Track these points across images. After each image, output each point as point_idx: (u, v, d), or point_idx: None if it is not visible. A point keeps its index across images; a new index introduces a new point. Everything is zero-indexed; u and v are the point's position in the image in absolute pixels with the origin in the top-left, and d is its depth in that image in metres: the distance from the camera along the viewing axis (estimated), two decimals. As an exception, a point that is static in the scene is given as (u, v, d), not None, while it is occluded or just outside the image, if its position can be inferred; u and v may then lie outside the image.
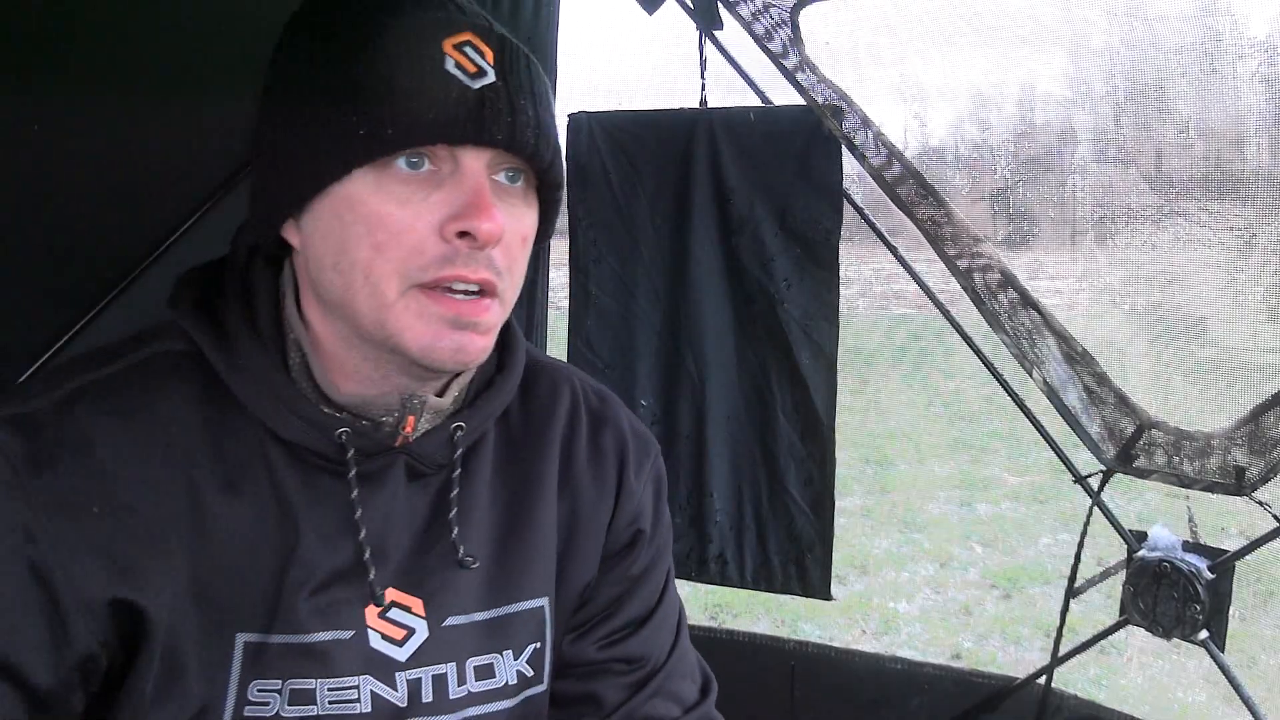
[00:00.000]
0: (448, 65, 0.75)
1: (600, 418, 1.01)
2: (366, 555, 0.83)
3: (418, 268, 0.76)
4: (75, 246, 1.93)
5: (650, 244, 2.32)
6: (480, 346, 0.80)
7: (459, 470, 0.88)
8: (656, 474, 1.05)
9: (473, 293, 0.78)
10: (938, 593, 4.78)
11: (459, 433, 0.87)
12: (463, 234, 0.76)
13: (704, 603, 4.42)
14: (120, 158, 1.92)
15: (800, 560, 2.27)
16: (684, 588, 1.30)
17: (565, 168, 0.85)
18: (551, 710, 0.97)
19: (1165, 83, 1.62)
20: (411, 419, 0.84)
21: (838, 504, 2.26)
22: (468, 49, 0.76)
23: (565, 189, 0.87)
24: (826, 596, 2.29)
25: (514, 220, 0.80)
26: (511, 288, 0.82)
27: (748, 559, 2.31)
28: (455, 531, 0.87)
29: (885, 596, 4.71)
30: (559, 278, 2.67)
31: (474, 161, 0.77)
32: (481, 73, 0.76)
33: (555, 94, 0.87)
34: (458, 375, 0.88)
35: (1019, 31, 1.74)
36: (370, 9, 0.78)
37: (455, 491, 0.88)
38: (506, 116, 0.76)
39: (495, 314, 0.80)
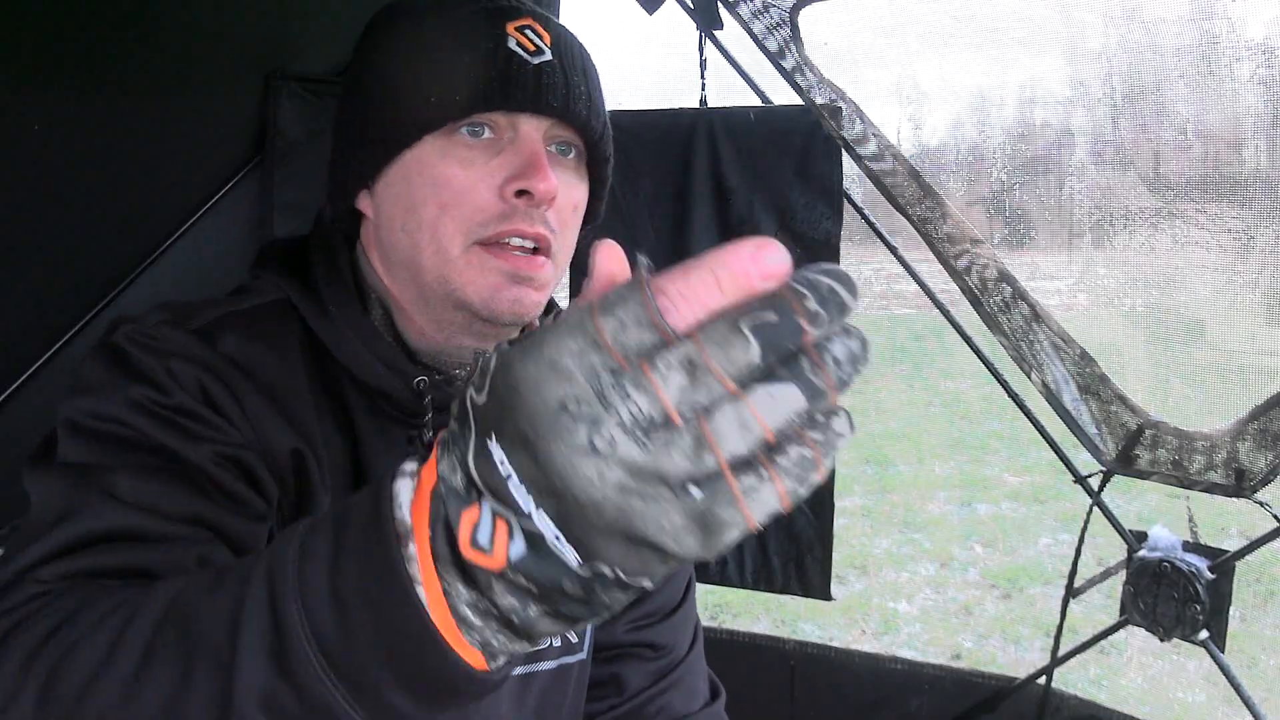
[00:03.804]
0: (510, 44, 0.84)
1: None
2: None
3: (479, 224, 0.83)
4: (75, 245, 1.92)
5: (650, 244, 2.32)
6: (535, 300, 0.86)
7: None
8: None
9: (529, 249, 0.84)
10: (938, 593, 4.79)
11: None
12: (520, 193, 0.83)
13: (704, 603, 4.43)
14: (120, 158, 1.92)
15: (800, 560, 2.27)
16: (683, 588, 1.31)
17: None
18: None
19: (1163, 85, 1.63)
20: None
21: (838, 504, 2.26)
22: (528, 31, 0.86)
23: (612, 164, 0.94)
24: (826, 596, 2.29)
25: (566, 187, 0.87)
26: (564, 250, 0.89)
27: (748, 559, 2.32)
28: None
29: (885, 596, 4.71)
30: (559, 278, 2.67)
31: (532, 130, 0.85)
32: (540, 51, 0.85)
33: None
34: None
35: (1016, 34, 1.74)
36: (444, 2, 0.87)
37: None
38: (562, 90, 0.85)
39: (549, 271, 0.87)
